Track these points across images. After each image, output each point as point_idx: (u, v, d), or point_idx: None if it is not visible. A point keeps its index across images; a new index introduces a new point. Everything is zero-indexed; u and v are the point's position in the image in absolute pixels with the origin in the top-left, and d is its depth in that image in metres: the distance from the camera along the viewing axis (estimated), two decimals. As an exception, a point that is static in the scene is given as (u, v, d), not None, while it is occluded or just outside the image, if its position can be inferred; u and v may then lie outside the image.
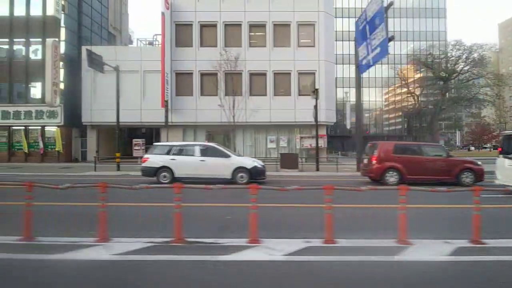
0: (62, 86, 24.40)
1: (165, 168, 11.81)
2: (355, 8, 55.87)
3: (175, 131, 25.28)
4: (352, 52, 54.43)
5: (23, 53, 25.16)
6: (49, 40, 23.32)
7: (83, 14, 27.74)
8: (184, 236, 4.91)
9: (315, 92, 19.55)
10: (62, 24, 24.95)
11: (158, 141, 25.89)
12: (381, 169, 11.90)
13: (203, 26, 25.35)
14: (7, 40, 24.97)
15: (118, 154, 18.71)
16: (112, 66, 18.03)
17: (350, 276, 3.82)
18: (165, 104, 20.29)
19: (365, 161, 12.85)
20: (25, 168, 20.69)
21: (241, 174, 11.80)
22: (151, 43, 28.70)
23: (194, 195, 7.89)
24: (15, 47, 25.23)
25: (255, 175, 11.90)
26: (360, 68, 17.48)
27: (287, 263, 4.17)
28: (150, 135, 27.14)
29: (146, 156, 12.14)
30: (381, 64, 59.36)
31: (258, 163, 12.20)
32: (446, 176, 11.80)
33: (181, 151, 12.08)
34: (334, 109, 27.87)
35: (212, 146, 12.50)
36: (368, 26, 15.89)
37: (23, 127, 25.12)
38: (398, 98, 52.71)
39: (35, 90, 25.31)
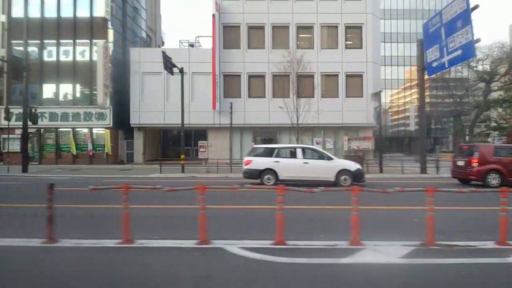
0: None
1: (269, 170, 11.81)
2: (397, 10, 56.25)
3: (221, 133, 25.31)
4: (394, 54, 55.71)
5: (70, 55, 25.10)
6: (100, 42, 23.33)
7: (127, 16, 27.75)
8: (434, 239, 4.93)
9: (377, 94, 19.64)
10: (109, 25, 24.94)
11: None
12: (482, 171, 11.95)
13: (250, 28, 25.38)
14: (54, 41, 24.94)
15: (182, 156, 18.68)
16: (178, 68, 18.02)
17: None
18: (229, 106, 20.28)
19: (460, 163, 12.87)
20: (82, 170, 20.57)
21: (345, 176, 11.79)
22: (191, 45, 28.70)
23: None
24: (62, 48, 25.15)
25: (357, 178, 11.90)
26: (429, 70, 17.51)
27: None
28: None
29: (248, 158, 12.12)
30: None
31: (359, 166, 12.21)
32: (547, 179, 11.84)
33: (283, 153, 12.08)
34: (380, 112, 27.88)
35: (313, 148, 12.51)
36: (444, 28, 15.93)
37: (71, 129, 25.06)
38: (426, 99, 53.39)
39: (83, 92, 25.24)
